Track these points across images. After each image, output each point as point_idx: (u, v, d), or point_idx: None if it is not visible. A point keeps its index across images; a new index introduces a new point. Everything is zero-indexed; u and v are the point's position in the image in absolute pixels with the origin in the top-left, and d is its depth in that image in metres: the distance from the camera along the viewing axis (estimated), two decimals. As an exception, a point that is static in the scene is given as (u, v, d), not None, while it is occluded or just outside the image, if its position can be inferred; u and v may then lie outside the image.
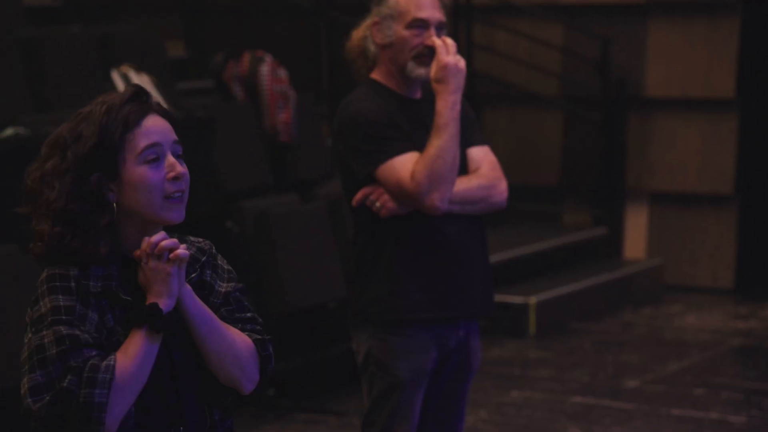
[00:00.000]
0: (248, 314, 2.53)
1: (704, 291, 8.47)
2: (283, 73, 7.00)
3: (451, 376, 3.80)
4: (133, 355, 2.34)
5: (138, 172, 2.40)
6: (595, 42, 8.74)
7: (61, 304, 2.34)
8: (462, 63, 3.66)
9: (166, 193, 2.41)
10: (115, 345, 2.36)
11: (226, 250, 6.10)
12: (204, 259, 2.50)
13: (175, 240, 2.39)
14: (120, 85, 6.47)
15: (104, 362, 2.31)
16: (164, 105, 7.07)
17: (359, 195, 3.70)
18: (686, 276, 8.58)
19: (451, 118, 3.62)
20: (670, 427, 5.81)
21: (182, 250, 2.37)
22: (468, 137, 3.80)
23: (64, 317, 2.33)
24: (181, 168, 2.42)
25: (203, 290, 2.48)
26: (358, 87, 3.82)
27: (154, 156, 2.41)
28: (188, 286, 2.42)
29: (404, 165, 3.63)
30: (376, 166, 3.66)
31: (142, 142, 2.40)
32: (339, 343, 6.14)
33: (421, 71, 3.70)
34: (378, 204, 3.67)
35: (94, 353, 2.32)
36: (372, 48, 3.80)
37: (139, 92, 2.44)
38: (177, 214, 2.43)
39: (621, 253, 8.75)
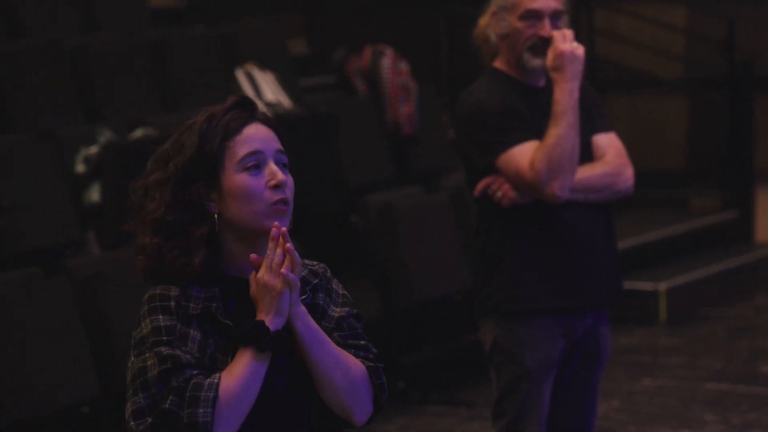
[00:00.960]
0: (362, 342, 2.40)
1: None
2: (404, 65, 7.02)
3: (581, 365, 3.78)
4: (237, 375, 2.24)
5: (238, 179, 2.32)
6: (719, 23, 8.57)
7: (162, 324, 2.28)
8: (579, 50, 3.63)
9: (268, 201, 2.31)
10: (217, 371, 2.27)
11: (352, 244, 6.20)
12: (316, 281, 2.40)
13: (300, 260, 2.29)
14: (244, 83, 6.56)
15: (208, 380, 2.24)
16: (289, 102, 7.15)
17: (481, 185, 3.71)
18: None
19: (569, 106, 3.60)
20: (808, 412, 5.69)
21: (292, 274, 2.26)
22: (593, 124, 3.77)
23: (164, 338, 2.26)
24: (282, 176, 2.33)
25: (315, 314, 2.36)
26: (480, 76, 3.82)
27: (254, 163, 2.32)
28: (302, 307, 2.31)
29: (524, 154, 3.62)
30: (496, 155, 3.66)
31: (242, 150, 2.32)
32: (467, 334, 6.13)
33: (536, 62, 3.68)
34: (499, 194, 3.67)
35: (195, 372, 2.25)
36: (492, 37, 3.80)
37: (242, 101, 2.37)
38: (281, 224, 2.31)
39: (752, 236, 8.57)
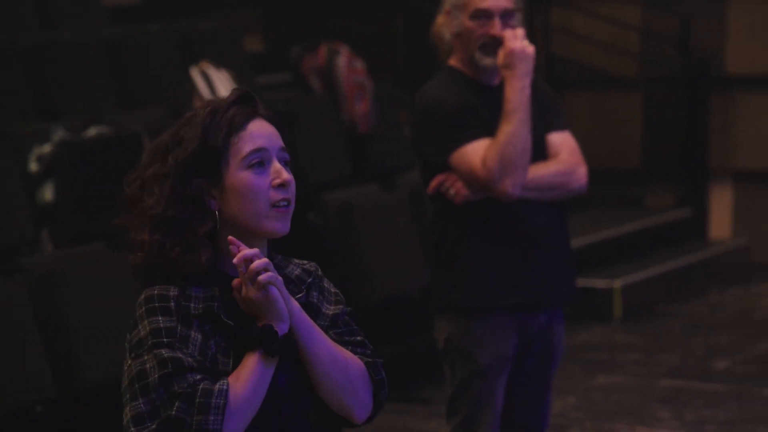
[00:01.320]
0: (358, 338, 2.36)
1: (794, 269, 8.33)
2: (359, 64, 7.02)
3: (535, 363, 3.79)
4: (246, 380, 2.17)
5: (241, 177, 2.25)
6: (674, 21, 8.63)
7: (162, 325, 2.19)
8: (530, 48, 3.65)
9: (271, 201, 2.24)
10: (219, 374, 2.20)
11: (310, 242, 6.19)
12: (310, 280, 2.35)
13: (265, 260, 2.21)
14: (199, 82, 6.53)
15: (217, 386, 2.16)
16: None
17: (434, 182, 3.72)
18: (774, 255, 8.45)
19: (520, 104, 3.61)
20: (763, 408, 5.73)
21: (266, 275, 2.19)
22: (548, 122, 3.79)
23: (165, 339, 2.18)
24: (287, 175, 2.26)
25: (310, 312, 2.31)
26: (435, 74, 3.82)
27: (258, 160, 2.25)
28: (296, 304, 2.26)
29: (476, 152, 3.63)
30: (449, 153, 3.67)
31: (247, 146, 2.25)
32: (425, 331, 6.14)
33: (487, 61, 3.70)
34: (452, 191, 3.68)
35: (198, 377, 2.17)
36: (447, 36, 3.81)
37: (245, 95, 2.30)
38: (282, 225, 2.26)
39: (706, 234, 8.64)
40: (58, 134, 5.60)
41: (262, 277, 2.20)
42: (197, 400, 2.14)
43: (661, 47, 8.77)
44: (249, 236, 2.26)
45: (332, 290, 2.40)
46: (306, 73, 7.10)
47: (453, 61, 3.81)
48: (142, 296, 2.24)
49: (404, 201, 6.33)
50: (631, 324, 7.22)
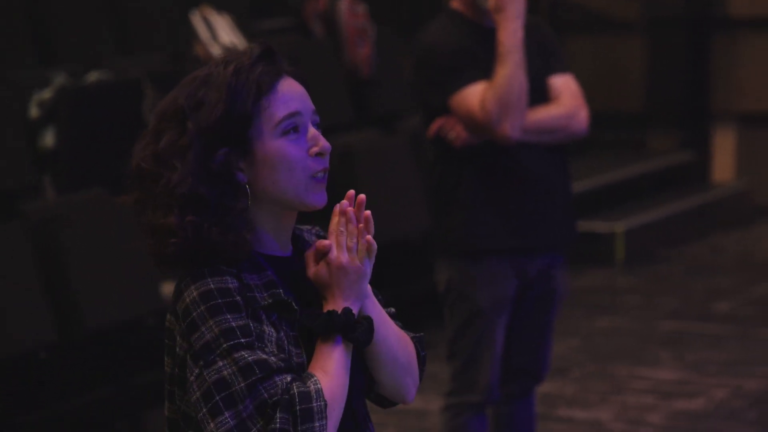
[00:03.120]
0: (392, 309, 2.14)
1: (795, 212, 8.35)
2: (361, 8, 6.98)
3: (535, 306, 3.81)
4: (335, 374, 1.93)
5: (276, 146, 1.97)
6: (677, -37, 8.58)
7: (233, 324, 1.90)
8: None
9: (311, 172, 1.99)
10: (296, 368, 1.95)
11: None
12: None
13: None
14: (200, 26, 6.50)
15: (311, 387, 1.91)
16: (245, 45, 7.07)
17: (434, 126, 3.71)
18: (776, 197, 8.45)
19: (513, 45, 3.60)
20: (762, 348, 5.76)
21: (374, 243, 1.98)
22: (550, 65, 3.77)
23: (242, 340, 1.89)
24: (325, 142, 2.02)
25: None
26: (436, 17, 3.81)
27: (293, 126, 1.99)
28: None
29: (475, 94, 3.63)
30: (448, 96, 3.66)
31: (280, 111, 1.98)
32: (425, 275, 6.16)
33: (488, 4, 3.68)
34: (452, 134, 3.67)
35: (288, 379, 1.91)
36: (448, -22, 3.78)
37: (269, 50, 2.02)
38: (322, 198, 2.01)
39: (709, 177, 8.64)
40: (59, 80, 5.58)
41: (369, 238, 1.98)
42: (297, 408, 1.88)
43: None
44: (281, 213, 2.02)
45: None
46: (307, 17, 7.06)
47: (454, 4, 3.79)
48: (194, 293, 1.92)
49: (405, 146, 6.32)
50: (633, 267, 7.24)
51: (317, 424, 1.89)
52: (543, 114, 3.71)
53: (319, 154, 2.01)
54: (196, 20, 6.50)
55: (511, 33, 3.61)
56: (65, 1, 6.41)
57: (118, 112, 5.55)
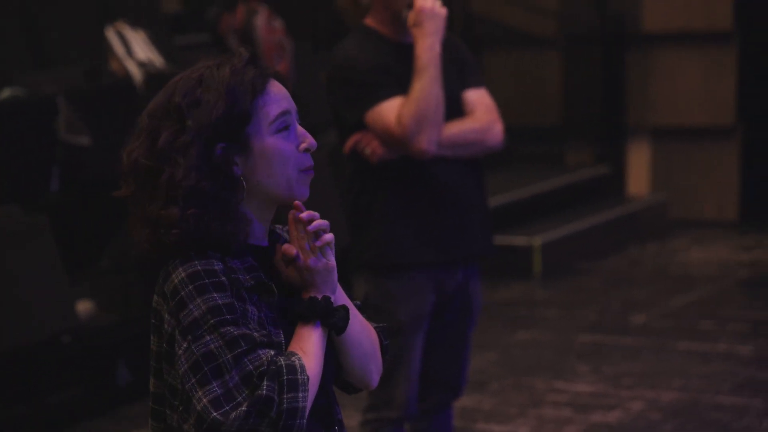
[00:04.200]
0: (358, 302, 2.30)
1: (709, 225, 8.47)
2: (278, 23, 6.98)
3: (453, 320, 3.82)
4: (313, 353, 2.07)
5: (272, 142, 2.12)
6: (592, -21, 8.68)
7: (220, 302, 2.04)
8: (439, 7, 3.65)
9: (300, 167, 2.15)
10: (276, 345, 2.09)
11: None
12: None
13: (325, 221, 2.15)
14: (115, 42, 6.45)
15: (297, 361, 2.04)
16: (162, 61, 7.00)
17: (350, 142, 3.72)
18: (691, 210, 8.58)
19: (430, 61, 3.62)
20: (679, 360, 5.84)
21: (329, 236, 2.13)
22: (465, 80, 3.80)
23: (228, 316, 2.03)
24: (312, 139, 2.18)
25: None
26: (349, 34, 3.81)
27: (285, 125, 2.14)
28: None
29: (391, 109, 3.64)
30: (364, 111, 3.67)
31: (274, 110, 2.13)
32: (345, 289, 6.16)
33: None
34: (368, 150, 3.68)
35: (272, 353, 2.04)
36: (365, -6, 3.79)
37: (255, 55, 2.18)
38: (307, 190, 2.18)
39: (625, 190, 8.75)
40: (-29, 96, 5.50)
41: (327, 236, 2.13)
42: (284, 378, 2.01)
43: (579, 5, 8.82)
44: (270, 204, 2.17)
45: None
46: (224, 33, 7.04)
47: (369, 20, 3.80)
48: (183, 274, 2.06)
49: (323, 160, 6.32)
50: (551, 280, 7.30)
51: (300, 394, 2.02)
52: (458, 128, 3.73)
53: (307, 150, 2.17)
54: (111, 36, 6.44)
55: (428, 48, 3.63)
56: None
57: (32, 129, 5.49)
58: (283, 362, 2.03)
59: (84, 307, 5.34)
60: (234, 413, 1.99)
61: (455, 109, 3.75)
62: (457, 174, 3.74)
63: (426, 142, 3.62)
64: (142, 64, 6.32)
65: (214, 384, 2.01)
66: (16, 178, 5.49)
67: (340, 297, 2.18)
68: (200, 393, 2.01)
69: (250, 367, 2.02)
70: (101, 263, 5.55)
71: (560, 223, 7.80)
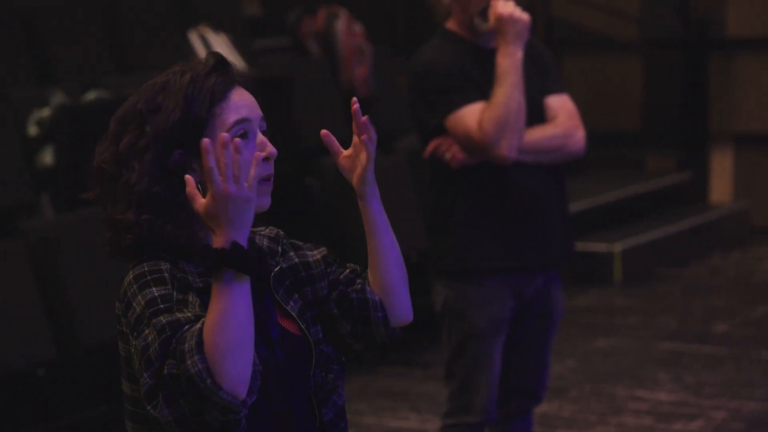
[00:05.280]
0: (352, 266, 2.30)
1: (793, 233, 8.34)
2: (358, 27, 7.00)
3: (533, 325, 3.80)
4: (215, 309, 1.96)
5: None
6: (675, -17, 8.60)
7: (156, 294, 2.04)
8: (519, 13, 3.63)
9: (259, 176, 2.07)
10: None
11: (307, 207, 6.18)
12: (281, 248, 2.24)
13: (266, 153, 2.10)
14: (198, 45, 6.51)
15: (192, 328, 1.99)
16: (242, 65, 7.08)
17: (430, 147, 3.72)
18: (774, 218, 8.45)
19: (511, 66, 3.61)
20: (761, 370, 5.75)
21: (270, 149, 2.09)
22: (547, 85, 3.78)
23: (161, 306, 2.03)
24: (273, 148, 2.14)
25: (299, 273, 2.22)
26: (431, 37, 3.81)
27: (243, 132, 2.12)
28: (375, 185, 2.23)
29: (472, 114, 3.63)
30: (444, 116, 3.66)
31: (231, 117, 2.12)
32: (423, 294, 6.16)
33: (486, 26, 3.69)
34: (448, 155, 3.67)
35: (187, 327, 2.00)
36: (445, -2, 3.79)
37: (222, 61, 2.16)
38: (267, 200, 2.14)
39: (707, 198, 8.64)
40: (57, 98, 5.59)
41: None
42: (177, 349, 1.97)
43: (661, 10, 8.74)
44: None
45: (304, 244, 2.29)
46: (304, 37, 7.07)
47: (450, 24, 3.79)
48: (131, 276, 2.08)
49: (402, 165, 6.33)
50: (631, 287, 7.23)
51: (189, 362, 1.95)
52: (540, 134, 3.72)
53: (266, 159, 2.13)
54: (194, 39, 6.51)
55: (509, 54, 3.62)
56: (63, 20, 6.42)
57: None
58: (180, 334, 1.98)
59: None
60: (163, 406, 1.97)
61: (537, 114, 3.73)
62: (538, 180, 3.73)
63: (507, 148, 3.61)
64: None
65: (146, 375, 1.99)
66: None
67: (377, 207, 2.24)
68: (141, 387, 2.01)
69: (170, 347, 1.99)
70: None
71: (641, 230, 7.72)
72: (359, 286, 2.26)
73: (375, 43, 7.11)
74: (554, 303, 3.82)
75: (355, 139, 2.25)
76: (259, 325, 2.07)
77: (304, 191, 6.12)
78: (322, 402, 2.20)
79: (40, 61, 6.32)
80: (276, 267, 2.21)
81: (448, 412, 3.80)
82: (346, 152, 2.25)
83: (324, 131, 2.22)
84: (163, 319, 2.01)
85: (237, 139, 1.99)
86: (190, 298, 2.05)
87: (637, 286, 7.24)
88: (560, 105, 3.78)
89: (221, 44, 6.49)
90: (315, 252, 2.27)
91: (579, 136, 3.77)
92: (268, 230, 2.27)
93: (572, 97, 3.84)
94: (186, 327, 2.00)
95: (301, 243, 2.29)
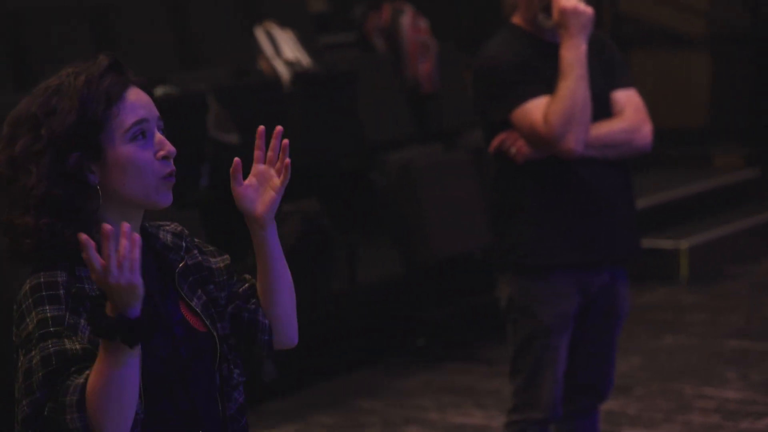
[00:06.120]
0: (246, 284, 2.31)
1: None
2: (423, 23, 6.99)
3: (598, 322, 3.77)
4: (102, 372, 1.96)
5: (126, 151, 2.11)
6: (743, -22, 8.50)
7: (48, 315, 2.03)
8: (583, 6, 3.61)
9: (159, 174, 2.13)
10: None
11: (371, 202, 6.19)
12: (185, 244, 2.25)
13: (133, 241, 1.96)
14: (264, 41, 6.54)
15: (75, 381, 2.00)
16: (308, 60, 7.09)
17: (495, 141, 3.70)
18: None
19: (576, 60, 3.58)
20: (830, 370, 5.68)
21: (136, 235, 1.94)
22: (613, 80, 3.75)
23: (51, 329, 2.02)
24: (171, 146, 2.15)
25: (201, 271, 2.23)
26: (498, 32, 3.80)
27: (141, 132, 2.13)
28: (273, 219, 2.19)
29: (537, 108, 3.61)
30: (510, 110, 3.65)
31: (129, 118, 2.12)
32: (487, 290, 6.14)
33: (550, 23, 3.68)
34: (513, 150, 3.66)
35: (73, 370, 2.01)
36: (511, -8, 3.78)
37: (116, 62, 2.16)
38: (169, 197, 2.16)
39: (775, 194, 8.53)
40: (124, 95, 5.64)
41: (133, 255, 1.95)
42: (59, 399, 1.99)
43: (729, 4, 8.64)
44: (131, 209, 2.15)
45: (208, 246, 2.30)
46: (369, 32, 7.08)
47: (516, 19, 3.78)
48: (27, 286, 2.07)
49: (467, 161, 6.31)
50: (698, 285, 7.16)
51: (68, 417, 1.98)
52: (606, 128, 3.69)
53: (165, 158, 2.15)
54: (260, 35, 6.54)
55: (573, 47, 3.60)
56: (130, 17, 6.48)
57: (183, 127, 5.60)
58: (67, 382, 1.99)
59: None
60: None
61: (602, 108, 3.71)
62: (604, 175, 3.70)
63: (573, 142, 3.58)
64: (289, 64, 6.40)
65: (24, 402, 2.02)
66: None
67: (275, 237, 2.19)
68: (17, 409, 2.04)
69: (56, 386, 2.00)
70: (247, 260, 5.63)
71: (708, 227, 7.64)
72: (253, 306, 2.27)
73: (440, 39, 7.10)
74: (620, 300, 3.79)
75: (260, 167, 2.20)
76: (162, 326, 2.10)
77: (369, 187, 6.13)
78: (226, 397, 2.22)
79: (109, 57, 6.37)
80: (181, 263, 2.21)
81: (513, 408, 3.78)
82: (247, 181, 2.19)
83: (237, 159, 2.18)
84: (50, 346, 2.01)
85: (125, 224, 1.94)
86: (82, 322, 2.04)
87: (704, 284, 7.16)
88: (627, 99, 3.75)
89: (287, 40, 6.52)
90: (218, 259, 2.28)
91: (646, 131, 3.73)
92: (173, 226, 2.28)
93: (639, 92, 3.81)
94: (72, 369, 2.00)
95: (204, 245, 2.29)
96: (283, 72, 6.37)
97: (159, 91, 5.76)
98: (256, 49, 6.52)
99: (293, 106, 6.10)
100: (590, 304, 3.75)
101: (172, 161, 2.16)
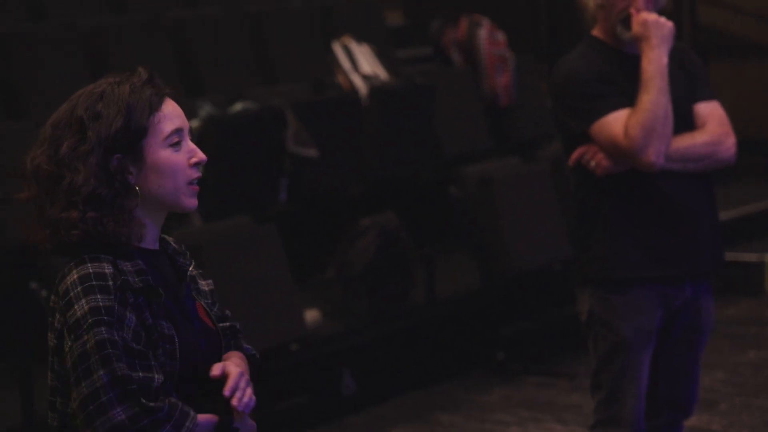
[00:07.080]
0: (227, 312, 2.53)
1: None
2: (500, 36, 6.98)
3: (682, 336, 3.73)
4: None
5: (164, 155, 2.32)
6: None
7: (101, 304, 2.23)
8: (664, 19, 3.59)
9: (189, 179, 2.35)
10: (155, 342, 2.27)
11: (450, 215, 6.18)
12: (188, 252, 2.48)
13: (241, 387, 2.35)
14: (341, 56, 6.57)
15: (191, 413, 2.27)
16: (385, 74, 7.10)
17: (575, 154, 3.68)
18: None
19: (657, 72, 3.55)
20: None
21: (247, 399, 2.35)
22: (695, 92, 3.71)
23: (105, 318, 2.22)
24: (203, 154, 2.38)
25: (193, 285, 2.44)
26: (577, 45, 3.78)
27: (177, 140, 2.34)
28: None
29: (618, 121, 3.58)
30: (589, 123, 3.62)
31: (168, 126, 2.33)
32: (567, 304, 6.09)
33: (629, 35, 3.65)
34: (593, 163, 3.63)
35: (158, 377, 2.25)
36: (591, 5, 3.76)
37: (153, 74, 2.38)
38: (195, 201, 2.38)
39: None
40: (205, 110, 5.69)
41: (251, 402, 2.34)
42: (176, 414, 2.23)
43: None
44: (161, 211, 2.36)
45: (194, 269, 2.48)
46: (446, 46, 7.08)
47: (595, 32, 3.76)
48: (75, 276, 2.26)
49: (545, 173, 6.27)
50: (782, 298, 7.05)
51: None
52: (689, 141, 3.65)
53: (196, 164, 2.37)
54: (338, 50, 6.57)
55: (654, 59, 3.57)
56: (210, 34, 6.54)
57: (262, 141, 5.64)
58: (180, 407, 2.24)
59: (311, 315, 5.44)
60: (123, 413, 2.19)
61: (685, 121, 3.67)
62: (686, 188, 3.65)
63: (654, 155, 3.55)
64: (367, 78, 6.42)
65: (83, 384, 2.21)
66: (247, 188, 5.64)
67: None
68: (75, 393, 2.22)
69: (119, 374, 2.20)
70: (326, 273, 5.65)
71: (793, 239, 7.52)
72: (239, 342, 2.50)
73: (517, 52, 7.08)
74: (704, 314, 3.74)
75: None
76: (186, 319, 2.35)
77: (447, 199, 6.12)
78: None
79: (189, 74, 6.44)
80: (190, 266, 2.44)
81: (595, 423, 3.74)
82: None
83: (214, 374, 2.35)
84: (104, 332, 2.21)
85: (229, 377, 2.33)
86: (127, 315, 2.24)
87: (789, 297, 7.04)
88: (710, 112, 3.70)
89: (365, 54, 6.54)
90: (203, 283, 2.48)
91: (730, 144, 3.69)
92: (172, 239, 2.47)
93: (720, 104, 3.76)
94: (154, 375, 2.24)
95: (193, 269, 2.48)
96: (361, 86, 6.39)
97: (238, 106, 5.81)
98: (333, 64, 6.54)
99: (371, 120, 6.11)
100: (673, 319, 3.70)
101: (200, 169, 2.37)
